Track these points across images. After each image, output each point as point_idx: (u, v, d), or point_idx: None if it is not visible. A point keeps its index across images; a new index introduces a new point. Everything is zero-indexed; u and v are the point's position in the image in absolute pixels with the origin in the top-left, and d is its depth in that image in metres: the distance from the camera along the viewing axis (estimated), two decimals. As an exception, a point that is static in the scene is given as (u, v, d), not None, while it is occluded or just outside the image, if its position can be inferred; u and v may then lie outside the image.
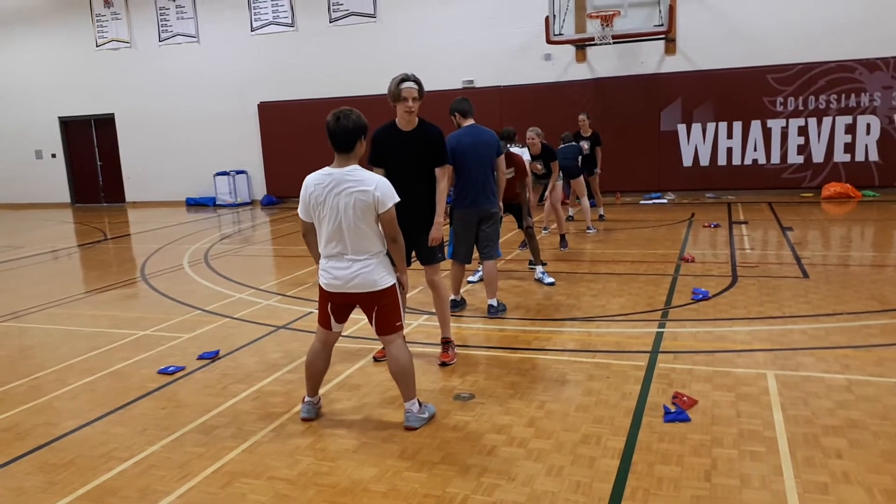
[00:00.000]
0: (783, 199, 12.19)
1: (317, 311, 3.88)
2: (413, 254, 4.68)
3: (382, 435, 3.61)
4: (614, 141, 12.92)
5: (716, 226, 9.68)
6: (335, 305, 3.69)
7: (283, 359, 4.88)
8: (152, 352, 5.20)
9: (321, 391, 4.01)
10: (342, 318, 3.76)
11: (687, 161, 13.18)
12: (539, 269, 6.90)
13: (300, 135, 15.46)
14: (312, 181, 3.58)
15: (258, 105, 15.91)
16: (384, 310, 3.63)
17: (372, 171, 3.74)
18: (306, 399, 3.87)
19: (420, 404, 3.73)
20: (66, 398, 4.38)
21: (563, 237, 8.54)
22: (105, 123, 17.63)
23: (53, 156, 18.29)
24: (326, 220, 3.52)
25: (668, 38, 12.47)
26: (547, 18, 12.15)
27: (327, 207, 3.50)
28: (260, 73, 15.74)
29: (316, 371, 3.82)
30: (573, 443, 3.42)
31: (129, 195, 17.80)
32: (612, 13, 11.68)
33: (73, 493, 3.19)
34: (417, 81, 4.35)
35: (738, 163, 12.90)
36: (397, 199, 3.57)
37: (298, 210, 3.69)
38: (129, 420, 3.99)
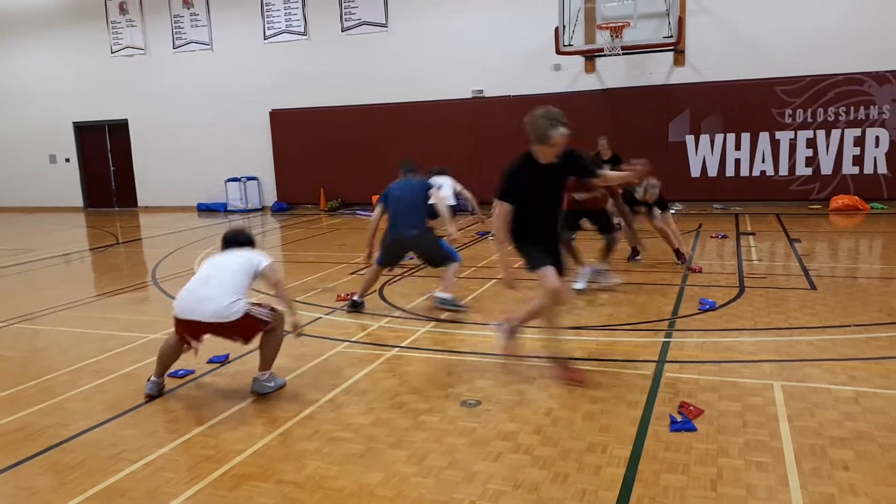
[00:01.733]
0: (791, 210, 12.18)
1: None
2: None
3: (389, 440, 3.64)
4: (622, 151, 12.92)
5: (723, 237, 9.67)
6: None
7: (291, 363, 4.90)
8: (162, 355, 5.24)
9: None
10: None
11: (695, 172, 13.19)
12: (590, 270, 6.92)
13: (311, 142, 15.58)
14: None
15: (270, 112, 16.03)
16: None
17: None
18: (153, 379, 4.40)
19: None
20: (77, 400, 4.43)
21: (634, 249, 8.35)
22: (119, 129, 17.81)
23: (67, 160, 18.48)
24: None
25: (678, 49, 12.50)
26: (557, 29, 12.21)
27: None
28: (272, 80, 15.87)
29: (170, 359, 4.44)
30: (579, 451, 3.43)
31: (142, 200, 17.96)
32: (621, 24, 11.73)
33: (83, 493, 3.23)
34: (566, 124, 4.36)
35: (746, 174, 12.90)
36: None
37: None
38: (139, 422, 4.03)
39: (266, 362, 4.39)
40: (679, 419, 3.69)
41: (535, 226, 4.42)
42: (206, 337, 4.32)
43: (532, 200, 4.35)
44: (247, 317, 4.20)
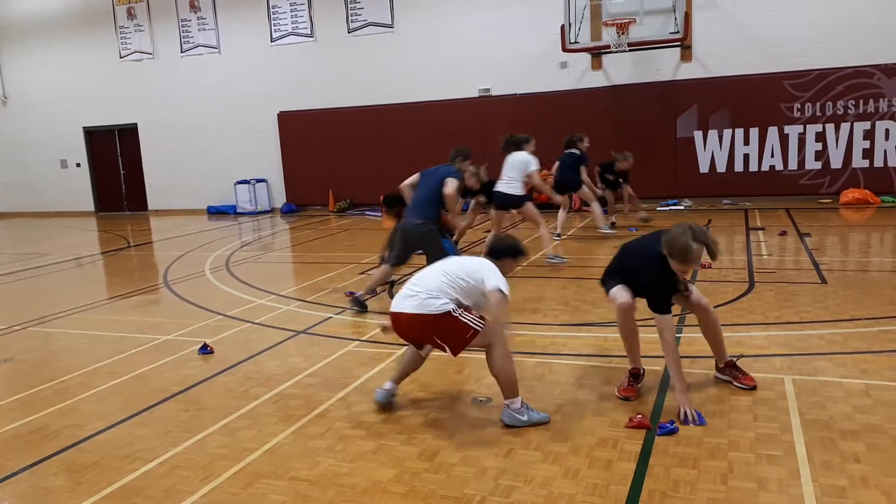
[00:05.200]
0: (801, 205, 12.12)
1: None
2: None
3: (401, 437, 3.66)
4: (630, 148, 12.91)
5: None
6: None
7: (303, 363, 4.95)
8: (175, 356, 5.30)
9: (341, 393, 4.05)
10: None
11: (703, 167, 13.14)
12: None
13: (319, 144, 15.63)
14: None
15: (278, 114, 16.10)
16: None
17: None
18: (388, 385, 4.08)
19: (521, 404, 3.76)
20: (92, 401, 4.49)
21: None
22: (128, 133, 17.93)
23: (78, 165, 18.62)
24: None
25: (684, 45, 12.47)
26: (563, 27, 12.21)
27: None
28: (279, 82, 15.94)
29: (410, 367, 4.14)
30: (589, 446, 3.45)
31: (152, 203, 18.07)
32: (627, 21, 11.71)
33: (99, 492, 3.27)
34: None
35: (755, 169, 12.83)
36: None
37: None
38: (153, 422, 4.07)
39: (506, 388, 3.77)
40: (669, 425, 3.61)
41: None
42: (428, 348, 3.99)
43: None
44: (448, 316, 3.70)
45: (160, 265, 9.98)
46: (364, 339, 5.47)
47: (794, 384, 4.07)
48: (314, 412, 4.05)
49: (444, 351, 3.81)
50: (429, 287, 3.77)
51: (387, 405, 4.01)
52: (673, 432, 3.52)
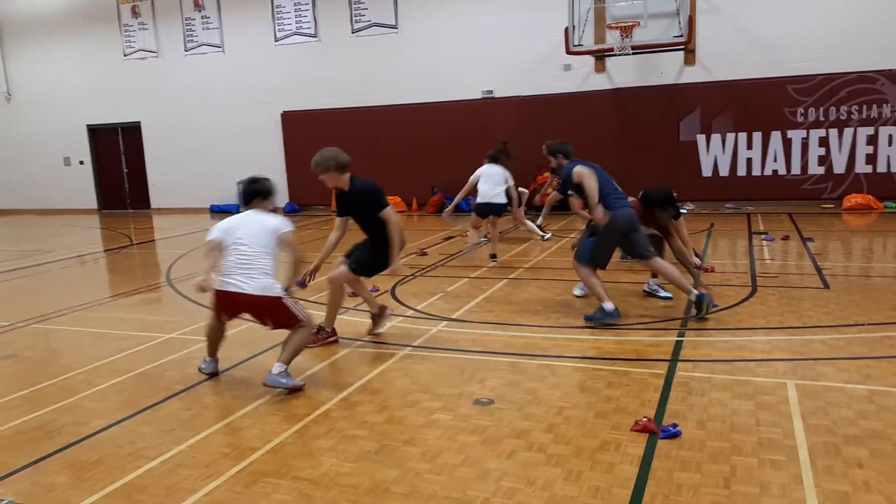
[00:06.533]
0: (804, 209, 12.11)
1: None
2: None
3: (403, 437, 3.67)
4: (633, 151, 12.96)
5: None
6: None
7: (305, 362, 4.94)
8: (178, 354, 5.31)
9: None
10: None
11: (706, 171, 13.15)
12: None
13: (322, 143, 15.50)
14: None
15: (281, 114, 16.13)
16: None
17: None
18: (207, 359, 4.76)
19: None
20: (95, 398, 4.49)
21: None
22: (132, 131, 17.97)
23: (81, 163, 18.67)
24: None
25: (688, 48, 12.47)
26: (566, 29, 12.21)
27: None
28: (283, 82, 15.96)
29: (217, 339, 4.74)
30: (592, 449, 3.44)
31: (154, 202, 18.10)
32: (631, 24, 11.72)
33: (101, 490, 3.27)
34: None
35: (758, 173, 12.85)
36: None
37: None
38: (156, 420, 4.08)
39: (287, 355, 4.43)
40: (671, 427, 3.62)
41: None
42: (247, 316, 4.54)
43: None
44: (280, 302, 4.40)
45: (163, 263, 9.99)
46: (366, 339, 5.47)
47: (796, 389, 4.07)
48: (317, 412, 4.06)
49: (266, 325, 4.50)
50: (264, 269, 4.35)
51: (213, 373, 4.75)
52: (676, 436, 3.52)
